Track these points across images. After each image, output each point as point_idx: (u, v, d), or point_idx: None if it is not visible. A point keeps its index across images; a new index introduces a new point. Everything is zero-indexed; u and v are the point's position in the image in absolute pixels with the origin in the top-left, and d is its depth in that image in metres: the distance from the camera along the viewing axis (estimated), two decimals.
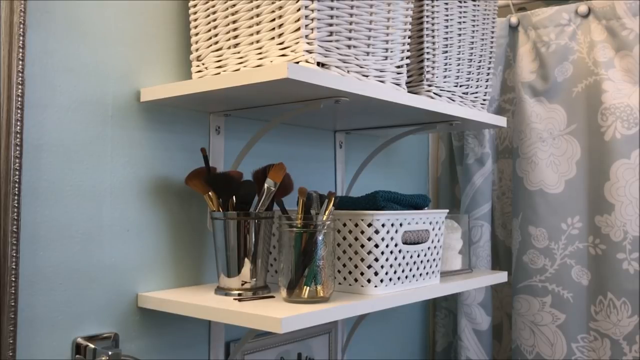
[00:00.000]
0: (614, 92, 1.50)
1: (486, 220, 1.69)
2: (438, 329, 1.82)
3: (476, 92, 1.34)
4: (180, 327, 1.13)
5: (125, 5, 1.06)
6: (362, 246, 1.07)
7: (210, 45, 1.05)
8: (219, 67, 1.04)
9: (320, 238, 0.99)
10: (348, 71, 0.98)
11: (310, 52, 0.91)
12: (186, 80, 1.12)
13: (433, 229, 1.20)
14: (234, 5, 1.00)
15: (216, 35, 1.04)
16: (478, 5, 1.33)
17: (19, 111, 0.88)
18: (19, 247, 0.88)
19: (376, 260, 1.07)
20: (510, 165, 1.72)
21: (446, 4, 1.23)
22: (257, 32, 0.97)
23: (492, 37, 1.38)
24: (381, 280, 1.08)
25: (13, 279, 0.87)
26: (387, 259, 1.09)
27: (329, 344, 1.43)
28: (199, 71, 1.08)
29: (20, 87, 0.88)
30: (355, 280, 1.08)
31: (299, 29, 0.90)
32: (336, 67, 0.96)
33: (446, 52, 1.24)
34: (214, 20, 1.04)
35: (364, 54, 1.01)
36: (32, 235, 0.92)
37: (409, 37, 1.09)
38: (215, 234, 1.05)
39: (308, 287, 0.98)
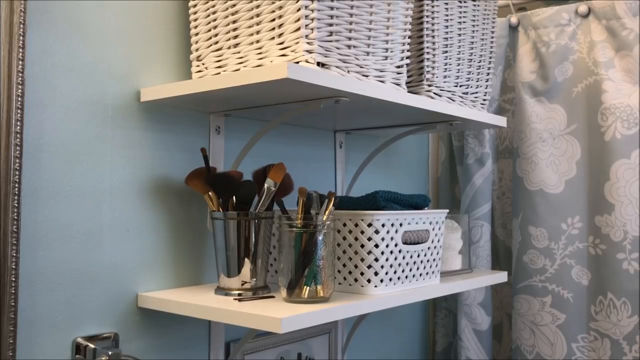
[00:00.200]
0: (614, 92, 1.50)
1: (486, 220, 1.69)
2: (438, 329, 1.82)
3: (476, 92, 1.34)
4: (180, 327, 1.13)
5: (125, 5, 1.06)
6: (362, 246, 1.07)
7: (210, 45, 1.05)
8: (219, 67, 1.04)
9: (320, 238, 0.98)
10: (348, 71, 0.98)
11: (310, 52, 0.91)
12: (186, 80, 1.12)
13: (433, 229, 1.20)
14: (234, 5, 1.00)
15: (216, 35, 1.04)
16: (478, 5, 1.33)
17: (19, 111, 0.87)
18: (19, 247, 0.88)
19: (376, 260, 1.07)
20: (511, 165, 1.72)
21: (446, 4, 1.23)
22: (257, 32, 0.97)
23: (492, 37, 1.38)
24: (381, 280, 1.08)
25: (13, 279, 0.87)
26: (387, 259, 1.09)
27: (329, 344, 1.43)
28: (199, 71, 1.08)
29: (20, 87, 0.88)
30: (355, 280, 1.08)
31: (299, 28, 0.90)
32: (336, 67, 0.95)
33: (446, 52, 1.24)
34: (214, 20, 1.04)
35: (364, 53, 1.01)
36: (32, 235, 0.92)
37: (409, 37, 1.09)
38: (215, 234, 1.05)
39: (308, 287, 0.98)
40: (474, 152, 1.70)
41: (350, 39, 0.98)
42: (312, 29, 0.91)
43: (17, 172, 0.87)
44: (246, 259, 1.03)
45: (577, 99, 1.57)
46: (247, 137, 1.19)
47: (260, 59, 0.96)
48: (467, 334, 1.67)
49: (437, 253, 1.22)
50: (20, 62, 0.88)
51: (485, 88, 1.37)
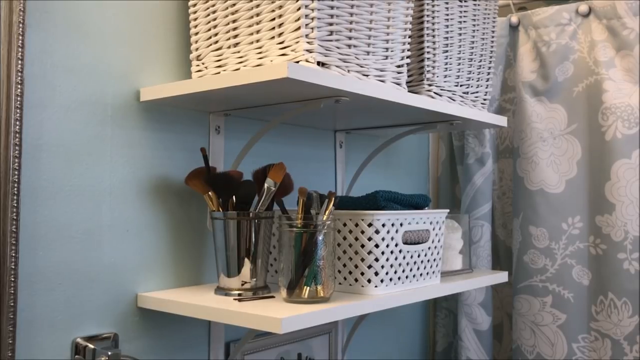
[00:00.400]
0: (614, 91, 1.50)
1: (486, 220, 1.68)
2: (438, 329, 1.81)
3: (476, 92, 1.34)
4: (180, 327, 1.13)
5: (125, 5, 1.05)
6: (363, 246, 1.07)
7: (210, 45, 1.05)
8: (219, 66, 1.03)
9: (320, 238, 0.98)
10: (348, 70, 0.97)
11: (311, 52, 0.90)
12: (186, 79, 1.12)
13: (433, 229, 1.20)
14: (234, 5, 1.00)
15: (216, 34, 1.04)
16: (478, 5, 1.32)
17: (18, 111, 0.87)
18: (18, 247, 0.88)
19: (376, 260, 1.07)
20: (511, 165, 1.72)
21: (447, 3, 1.23)
22: (257, 32, 0.97)
23: (493, 37, 1.38)
24: (381, 280, 1.08)
25: (12, 279, 0.87)
26: (387, 259, 1.08)
27: (329, 344, 1.43)
28: (199, 71, 1.08)
29: (19, 86, 0.87)
30: (356, 280, 1.08)
31: (299, 28, 0.90)
32: (336, 66, 0.95)
33: (446, 51, 1.24)
34: (214, 19, 1.04)
35: (364, 53, 1.00)
36: (32, 235, 0.92)
37: (409, 37, 1.09)
38: (215, 234, 1.05)
39: (308, 287, 0.98)
40: (474, 151, 1.70)
41: (350, 38, 0.97)
42: (312, 28, 0.90)
43: (16, 172, 0.87)
44: (246, 259, 1.03)
45: (577, 98, 1.57)
46: (247, 136, 1.19)
47: (260, 58, 0.96)
48: (467, 334, 1.67)
49: (438, 253, 1.22)
50: (20, 62, 0.88)
51: (486, 88, 1.37)
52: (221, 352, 1.19)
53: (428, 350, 1.81)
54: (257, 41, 0.97)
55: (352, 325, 1.46)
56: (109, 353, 0.97)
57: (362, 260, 1.07)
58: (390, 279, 1.10)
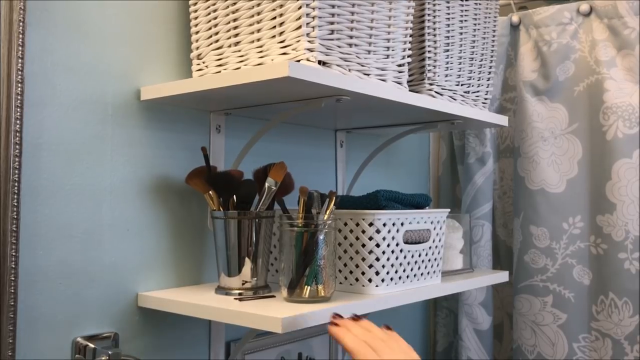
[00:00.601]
0: (615, 91, 1.50)
1: (487, 219, 1.68)
2: (439, 328, 1.81)
3: (477, 91, 1.34)
4: (181, 326, 1.12)
5: (126, 4, 1.05)
6: (363, 245, 1.07)
7: (211, 44, 1.05)
8: (220, 65, 1.03)
9: (321, 237, 0.98)
10: (349, 70, 0.97)
11: (312, 51, 0.90)
12: (186, 78, 1.11)
13: (434, 229, 1.20)
14: (235, 4, 1.00)
15: (217, 33, 1.03)
16: (479, 4, 1.32)
17: (18, 109, 0.87)
18: (19, 247, 0.88)
19: (377, 259, 1.07)
20: (512, 164, 1.72)
21: (448, 2, 1.23)
22: (258, 31, 0.97)
23: (494, 36, 1.38)
24: (382, 280, 1.08)
25: (12, 279, 0.87)
26: (388, 259, 1.08)
27: (330, 344, 1.43)
28: (200, 70, 1.07)
29: (19, 85, 0.87)
30: (357, 279, 1.08)
31: (300, 27, 0.90)
32: (337, 65, 0.95)
33: (447, 50, 1.23)
34: (215, 18, 1.03)
35: (365, 52, 1.00)
36: (32, 234, 0.92)
37: (410, 36, 1.09)
38: (216, 233, 1.05)
39: (309, 287, 0.97)
40: (475, 151, 1.69)
41: (351, 37, 0.97)
42: (313, 27, 0.90)
43: (16, 171, 0.87)
44: (247, 259, 1.03)
45: (578, 98, 1.57)
46: (248, 136, 1.18)
47: (261, 57, 0.96)
48: (467, 334, 1.67)
49: (438, 252, 1.22)
50: (20, 61, 0.87)
51: (487, 87, 1.37)
52: (222, 351, 1.19)
53: (428, 350, 1.81)
54: (258, 40, 0.97)
55: None
56: (110, 352, 0.97)
57: (363, 259, 1.07)
58: (391, 279, 1.10)
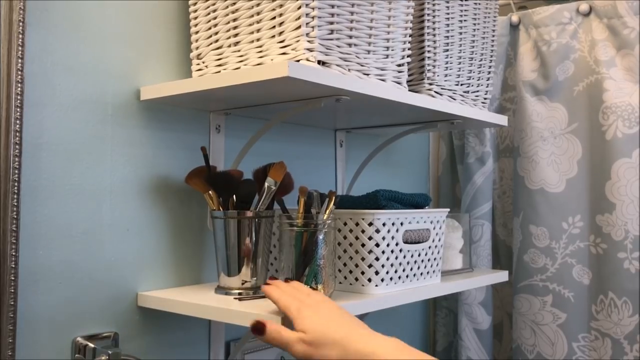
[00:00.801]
0: (615, 91, 1.50)
1: (487, 219, 1.68)
2: (438, 328, 1.81)
3: (477, 91, 1.34)
4: (181, 326, 1.13)
5: (126, 4, 1.05)
6: (363, 245, 1.07)
7: (211, 44, 1.05)
8: (220, 65, 1.03)
9: (320, 237, 0.98)
10: (349, 69, 0.97)
11: (311, 51, 0.90)
12: (186, 78, 1.11)
13: (434, 228, 1.20)
14: (234, 4, 1.00)
15: (216, 33, 1.03)
16: (479, 4, 1.32)
17: (18, 109, 0.87)
18: (19, 246, 0.88)
19: (377, 259, 1.07)
20: (511, 164, 1.72)
21: (447, 2, 1.23)
22: (258, 31, 0.97)
23: (493, 36, 1.38)
24: (382, 280, 1.08)
25: (12, 278, 0.87)
26: (387, 258, 1.08)
27: None
28: (199, 69, 1.07)
29: (19, 85, 0.87)
30: (356, 279, 1.08)
31: (299, 27, 0.90)
32: (337, 65, 0.95)
33: (447, 50, 1.24)
34: (214, 18, 1.04)
35: (365, 52, 1.00)
36: (32, 234, 0.92)
37: (410, 36, 1.09)
38: (216, 233, 1.05)
39: (308, 286, 0.97)
40: (474, 151, 1.69)
41: (351, 37, 0.97)
42: (312, 27, 0.90)
43: (16, 171, 0.87)
44: (246, 258, 1.03)
45: (578, 97, 1.57)
46: (248, 135, 1.18)
47: (261, 57, 0.96)
48: (467, 333, 1.67)
49: (438, 252, 1.22)
50: (20, 61, 0.87)
51: (486, 87, 1.37)
52: (221, 351, 1.19)
53: (428, 350, 1.81)
54: (258, 40, 0.97)
55: None
56: (109, 352, 0.97)
57: (363, 259, 1.07)
58: (391, 278, 1.10)
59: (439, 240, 1.22)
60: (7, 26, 0.87)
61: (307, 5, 0.89)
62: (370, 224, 1.06)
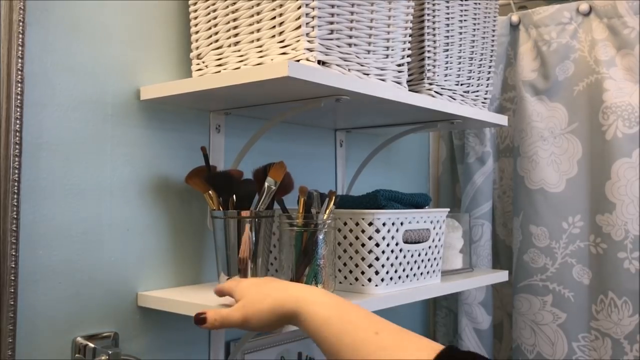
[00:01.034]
0: (615, 90, 1.50)
1: (487, 219, 1.68)
2: (438, 328, 1.81)
3: (477, 91, 1.34)
4: (181, 326, 1.12)
5: (126, 4, 1.05)
6: (363, 245, 1.07)
7: (211, 44, 1.05)
8: (220, 65, 1.03)
9: (321, 237, 0.98)
10: (349, 69, 0.97)
11: (311, 51, 0.90)
12: (186, 78, 1.11)
13: (434, 228, 1.20)
14: (234, 4, 1.00)
15: (216, 33, 1.03)
16: (479, 4, 1.32)
17: (18, 109, 0.87)
18: (19, 246, 0.88)
19: (377, 259, 1.07)
20: (511, 164, 1.72)
21: (447, 2, 1.23)
22: (258, 30, 0.97)
23: (493, 36, 1.38)
24: (382, 280, 1.08)
25: (12, 278, 0.87)
26: (387, 258, 1.08)
27: None
28: (199, 69, 1.07)
29: (19, 85, 0.87)
30: (356, 279, 1.08)
31: (299, 27, 0.90)
32: (337, 65, 0.95)
33: (447, 50, 1.24)
34: (214, 18, 1.04)
35: (365, 52, 1.00)
36: (32, 234, 0.92)
37: (410, 36, 1.09)
38: (216, 232, 1.05)
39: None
40: (474, 151, 1.69)
41: (351, 37, 0.97)
42: (312, 27, 0.90)
43: (16, 171, 0.87)
44: (246, 258, 1.03)
45: (578, 97, 1.57)
46: (248, 135, 1.18)
47: (261, 57, 0.96)
48: (467, 333, 1.67)
49: (438, 252, 1.22)
50: (20, 60, 0.87)
51: (486, 87, 1.37)
52: (221, 351, 1.19)
53: None
54: (258, 40, 0.97)
55: None
56: (109, 352, 0.97)
57: (363, 259, 1.07)
58: (391, 278, 1.10)
59: (439, 240, 1.22)
60: (7, 26, 0.87)
61: (307, 5, 0.89)
62: (370, 224, 1.06)
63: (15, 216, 0.87)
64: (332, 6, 0.93)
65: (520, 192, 1.61)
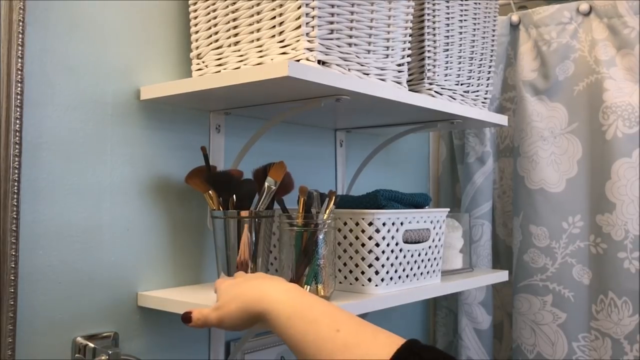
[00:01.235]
0: (615, 90, 1.50)
1: (487, 219, 1.68)
2: (438, 328, 1.81)
3: (477, 91, 1.34)
4: (181, 326, 1.12)
5: (126, 4, 1.05)
6: (363, 245, 1.07)
7: (211, 44, 1.05)
8: (219, 65, 1.03)
9: (321, 237, 0.98)
10: (349, 69, 0.97)
11: (311, 50, 0.90)
12: (186, 78, 1.11)
13: (434, 228, 1.20)
14: (234, 4, 1.00)
15: (216, 33, 1.03)
16: (479, 4, 1.32)
17: (18, 109, 0.87)
18: (18, 246, 0.88)
19: (377, 259, 1.07)
20: (511, 164, 1.72)
21: (447, 2, 1.23)
22: (258, 30, 0.97)
23: (493, 36, 1.38)
24: (382, 280, 1.08)
25: (12, 278, 0.87)
26: (387, 258, 1.08)
27: None
28: (199, 69, 1.07)
29: (19, 85, 0.87)
30: (356, 279, 1.08)
31: (299, 26, 0.90)
32: (337, 65, 0.95)
33: (447, 50, 1.24)
34: (214, 18, 1.03)
35: (365, 52, 1.00)
36: (32, 234, 0.92)
37: (410, 35, 1.09)
38: (216, 232, 1.05)
39: (308, 286, 0.98)
40: (474, 150, 1.69)
41: (351, 37, 0.97)
42: (312, 27, 0.90)
43: (16, 171, 0.87)
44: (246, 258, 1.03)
45: (578, 97, 1.57)
46: (248, 135, 1.18)
47: (261, 57, 0.96)
48: (467, 333, 1.67)
49: (438, 252, 1.22)
50: (20, 60, 0.87)
51: (486, 86, 1.37)
52: (221, 351, 1.19)
53: None
54: (258, 40, 0.97)
55: None
56: (109, 352, 0.97)
57: (363, 259, 1.07)
58: (391, 278, 1.10)
59: (439, 240, 1.22)
60: (7, 26, 0.87)
61: (307, 5, 0.89)
62: (370, 224, 1.06)
63: (15, 216, 0.87)
64: (332, 6, 0.93)
65: (520, 192, 1.61)
